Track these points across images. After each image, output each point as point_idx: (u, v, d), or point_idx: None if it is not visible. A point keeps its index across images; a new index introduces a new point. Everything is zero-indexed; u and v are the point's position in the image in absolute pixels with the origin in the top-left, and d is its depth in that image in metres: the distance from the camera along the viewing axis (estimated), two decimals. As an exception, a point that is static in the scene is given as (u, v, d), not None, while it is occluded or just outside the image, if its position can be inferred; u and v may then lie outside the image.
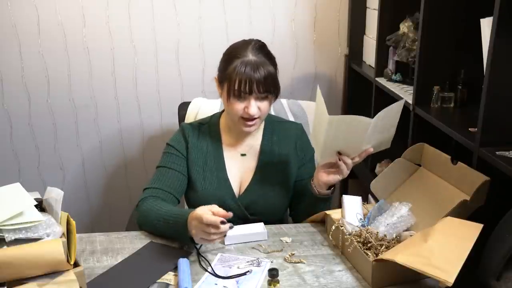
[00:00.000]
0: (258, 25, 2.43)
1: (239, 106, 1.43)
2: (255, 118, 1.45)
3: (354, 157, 1.40)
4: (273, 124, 1.62)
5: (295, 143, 1.61)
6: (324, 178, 1.45)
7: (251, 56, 1.42)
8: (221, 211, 1.25)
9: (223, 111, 1.61)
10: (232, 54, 1.45)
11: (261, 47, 1.47)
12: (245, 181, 1.56)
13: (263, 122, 1.60)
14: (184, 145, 1.55)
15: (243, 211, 1.53)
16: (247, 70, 1.39)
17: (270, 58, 1.46)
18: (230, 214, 1.25)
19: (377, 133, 1.36)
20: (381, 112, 1.32)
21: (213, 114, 1.65)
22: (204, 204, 1.46)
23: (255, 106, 1.43)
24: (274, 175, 1.57)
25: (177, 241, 1.36)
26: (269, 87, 1.43)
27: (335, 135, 1.32)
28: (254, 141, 1.59)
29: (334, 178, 1.43)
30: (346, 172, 1.41)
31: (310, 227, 1.48)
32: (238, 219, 1.52)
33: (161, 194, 1.48)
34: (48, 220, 1.10)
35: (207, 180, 1.53)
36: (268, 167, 1.57)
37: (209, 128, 1.59)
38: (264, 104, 1.45)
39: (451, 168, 1.36)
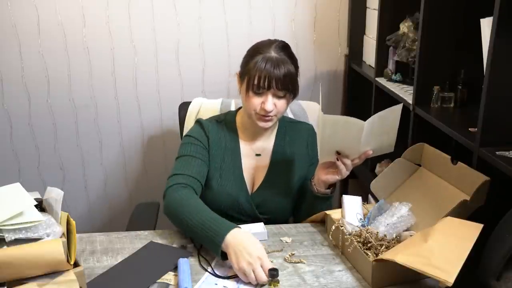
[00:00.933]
0: (258, 25, 2.43)
1: (256, 101, 1.44)
2: (271, 115, 1.46)
3: (354, 159, 1.40)
4: (285, 125, 1.64)
5: (306, 142, 1.63)
6: (322, 177, 1.45)
7: (273, 53, 1.43)
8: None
9: (238, 109, 1.62)
10: (255, 50, 1.46)
11: (284, 47, 1.48)
12: (257, 180, 1.57)
13: (277, 123, 1.61)
14: (206, 139, 1.54)
15: (254, 210, 1.54)
16: (267, 66, 1.41)
17: (291, 58, 1.47)
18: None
19: (376, 136, 1.36)
20: (376, 115, 1.32)
21: (227, 112, 1.65)
22: (219, 201, 1.45)
23: (271, 102, 1.43)
24: (285, 176, 1.58)
25: (207, 245, 1.30)
26: (288, 85, 1.43)
27: (330, 135, 1.33)
28: (268, 142, 1.60)
29: (333, 177, 1.43)
30: (345, 172, 1.41)
31: (310, 227, 1.48)
32: (248, 218, 1.53)
33: (189, 180, 1.44)
34: (48, 220, 1.10)
35: (223, 177, 1.53)
36: (280, 167, 1.58)
37: (226, 125, 1.59)
38: (281, 103, 1.46)
39: (451, 168, 1.36)
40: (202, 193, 1.51)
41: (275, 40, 1.49)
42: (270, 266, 1.18)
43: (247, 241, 1.21)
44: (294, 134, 1.63)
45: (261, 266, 1.17)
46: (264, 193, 1.55)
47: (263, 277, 1.16)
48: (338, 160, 1.39)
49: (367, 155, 1.39)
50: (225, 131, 1.58)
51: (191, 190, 1.42)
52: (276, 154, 1.59)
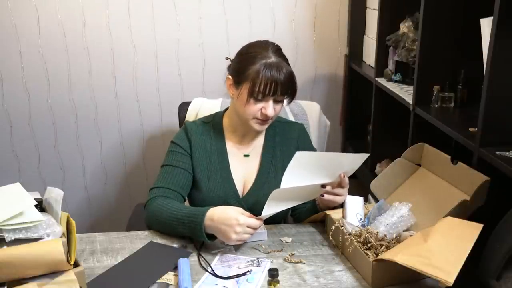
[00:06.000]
0: (258, 25, 2.43)
1: (257, 107, 1.43)
2: (269, 119, 1.46)
3: (338, 183, 1.38)
4: (275, 125, 1.61)
5: (296, 143, 1.61)
6: (325, 208, 1.46)
7: (273, 58, 1.42)
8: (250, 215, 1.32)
9: (225, 110, 1.61)
10: (252, 54, 1.43)
11: (279, 49, 1.48)
12: (248, 181, 1.56)
13: None
14: (188, 144, 1.55)
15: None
16: (272, 72, 1.39)
17: (285, 58, 1.47)
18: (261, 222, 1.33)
19: (332, 169, 1.35)
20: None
21: (216, 113, 1.64)
22: (209, 204, 1.46)
23: (272, 107, 1.43)
24: (277, 176, 1.56)
25: (193, 238, 1.37)
26: (289, 89, 1.43)
27: (296, 188, 1.30)
28: (257, 142, 1.59)
29: (334, 204, 1.43)
30: (340, 199, 1.39)
31: (310, 227, 1.48)
32: None
33: (168, 193, 1.47)
34: (48, 220, 1.10)
35: (211, 180, 1.53)
36: (271, 168, 1.57)
37: (212, 127, 1.58)
38: (279, 106, 1.46)
39: (451, 168, 1.36)
40: (191, 196, 1.56)
41: (267, 42, 1.48)
42: (248, 214, 1.30)
43: (221, 215, 1.30)
44: (284, 134, 1.61)
45: (243, 220, 1.28)
46: (256, 195, 1.53)
47: (255, 222, 1.29)
48: (323, 196, 1.37)
49: (342, 178, 1.37)
50: (211, 132, 1.57)
51: (167, 198, 1.46)
52: (267, 155, 1.58)
